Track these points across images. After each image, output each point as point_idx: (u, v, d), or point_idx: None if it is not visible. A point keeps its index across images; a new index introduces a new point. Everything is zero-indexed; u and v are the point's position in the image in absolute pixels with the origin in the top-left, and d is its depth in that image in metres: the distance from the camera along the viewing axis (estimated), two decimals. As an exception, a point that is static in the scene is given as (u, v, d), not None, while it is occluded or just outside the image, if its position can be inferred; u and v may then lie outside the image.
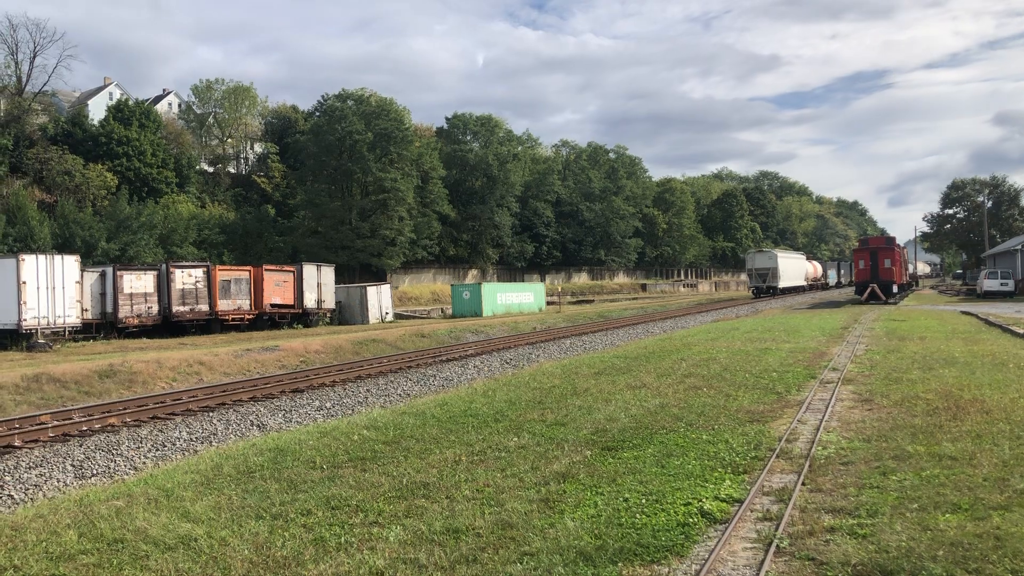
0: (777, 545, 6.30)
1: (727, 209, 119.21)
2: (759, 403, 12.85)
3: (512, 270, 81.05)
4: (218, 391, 18.24)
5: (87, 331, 31.73)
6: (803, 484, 7.98)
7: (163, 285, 34.43)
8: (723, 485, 7.97)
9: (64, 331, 29.76)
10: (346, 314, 44.47)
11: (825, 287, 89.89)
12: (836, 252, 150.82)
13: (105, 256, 44.23)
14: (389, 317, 46.25)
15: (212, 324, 35.88)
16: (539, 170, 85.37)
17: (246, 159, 74.73)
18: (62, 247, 41.37)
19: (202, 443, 13.60)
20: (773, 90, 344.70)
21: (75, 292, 30.09)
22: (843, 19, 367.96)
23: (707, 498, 7.51)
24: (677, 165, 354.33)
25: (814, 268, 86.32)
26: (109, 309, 32.68)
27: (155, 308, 34.10)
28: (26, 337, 28.52)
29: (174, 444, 13.53)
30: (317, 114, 66.18)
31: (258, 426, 15.03)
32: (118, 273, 32.92)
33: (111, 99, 67.00)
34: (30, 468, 11.84)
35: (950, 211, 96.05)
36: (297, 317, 40.32)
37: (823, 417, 11.41)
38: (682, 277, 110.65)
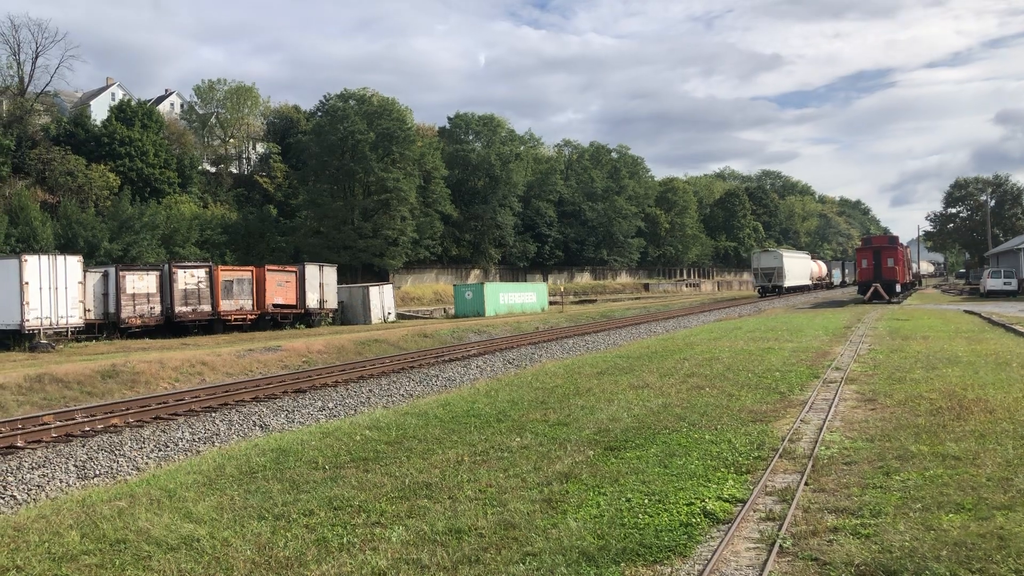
0: (780, 545, 6.28)
1: (730, 209, 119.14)
2: (762, 403, 12.83)
3: (514, 270, 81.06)
4: (220, 391, 18.25)
5: (90, 331, 31.77)
6: (806, 484, 7.96)
7: (165, 285, 34.47)
8: (726, 485, 7.96)
9: (67, 331, 29.81)
10: (348, 314, 44.49)
11: (830, 286, 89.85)
12: (839, 251, 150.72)
13: (108, 256, 44.29)
14: (391, 317, 46.25)
15: (214, 324, 35.91)
16: (541, 170, 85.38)
17: (248, 159, 74.79)
18: (65, 247, 41.42)
19: (205, 443, 13.61)
20: (775, 89, 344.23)
21: (78, 292, 30.14)
22: (845, 18, 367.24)
23: (710, 498, 7.49)
24: (679, 165, 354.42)
25: (819, 267, 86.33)
26: (112, 309, 32.72)
27: (157, 308, 34.14)
28: (29, 337, 28.58)
29: (176, 444, 13.54)
30: (319, 114, 66.25)
31: (260, 426, 15.03)
32: (120, 273, 32.97)
33: (113, 99, 67.07)
34: (33, 468, 11.85)
35: (953, 210, 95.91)
36: (299, 317, 40.34)
37: (826, 417, 11.39)
38: (685, 277, 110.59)
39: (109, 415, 15.29)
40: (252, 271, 38.75)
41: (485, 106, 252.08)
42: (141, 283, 33.63)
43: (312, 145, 62.24)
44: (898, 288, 50.36)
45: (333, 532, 6.95)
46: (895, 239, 53.76)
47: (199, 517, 7.57)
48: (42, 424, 14.39)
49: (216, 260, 48.56)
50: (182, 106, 75.90)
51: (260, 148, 73.80)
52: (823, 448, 9.45)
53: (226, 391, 18.26)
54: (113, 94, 71.70)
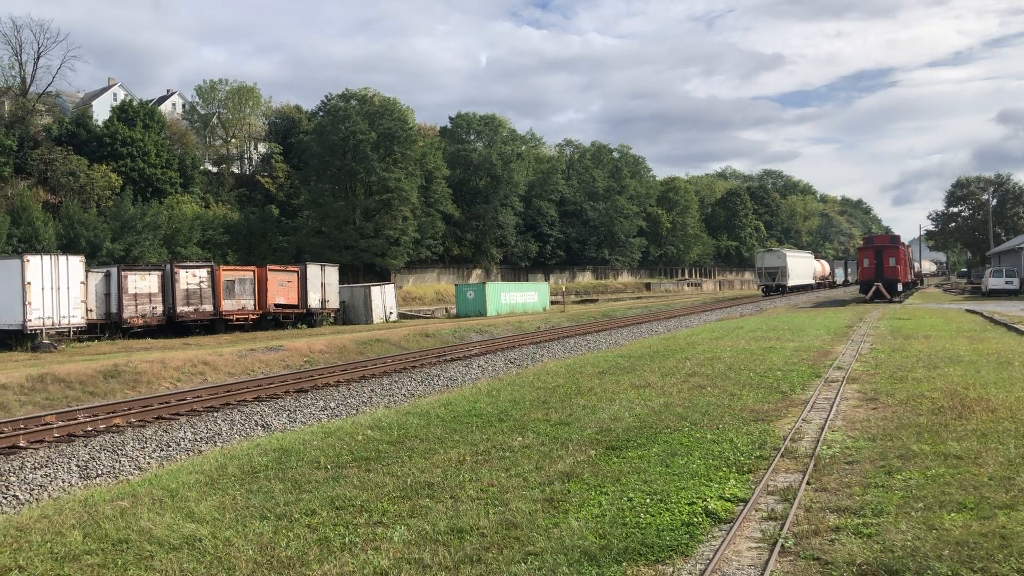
0: (782, 545, 6.28)
1: (731, 208, 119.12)
2: (764, 402, 12.82)
3: (516, 270, 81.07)
4: (222, 391, 18.26)
5: (91, 331, 31.80)
6: (808, 483, 7.96)
7: (167, 285, 34.50)
8: (728, 484, 7.95)
9: (69, 331, 29.84)
10: (350, 314, 44.51)
11: (832, 285, 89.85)
12: (841, 251, 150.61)
13: (109, 256, 44.33)
14: (393, 317, 46.27)
15: (216, 324, 35.93)
16: (543, 169, 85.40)
17: (250, 159, 74.82)
18: (66, 248, 41.49)
19: (207, 443, 13.62)
20: (776, 89, 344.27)
21: (79, 292, 30.17)
22: (846, 18, 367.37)
23: (712, 497, 7.49)
24: (681, 164, 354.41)
25: (822, 267, 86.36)
26: (113, 309, 32.75)
27: (159, 308, 34.16)
28: (31, 337, 28.61)
29: (179, 444, 13.55)
30: (321, 114, 66.31)
31: (262, 426, 15.04)
32: (122, 273, 32.99)
33: (115, 100, 67.11)
34: (35, 468, 11.86)
35: (955, 209, 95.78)
36: (301, 317, 40.36)
37: (828, 416, 11.38)
38: (686, 276, 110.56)
39: (111, 415, 15.30)
40: (254, 271, 38.77)
41: (486, 106, 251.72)
42: (143, 283, 33.66)
43: (314, 145, 62.28)
44: (900, 287, 50.30)
45: (335, 532, 6.96)
46: (897, 238, 53.68)
47: (201, 517, 7.57)
48: (44, 424, 14.41)
49: (218, 260, 48.59)
50: (184, 106, 75.95)
51: (262, 148, 73.85)
52: (825, 447, 9.44)
53: (228, 391, 18.28)
54: (115, 94, 71.75)
